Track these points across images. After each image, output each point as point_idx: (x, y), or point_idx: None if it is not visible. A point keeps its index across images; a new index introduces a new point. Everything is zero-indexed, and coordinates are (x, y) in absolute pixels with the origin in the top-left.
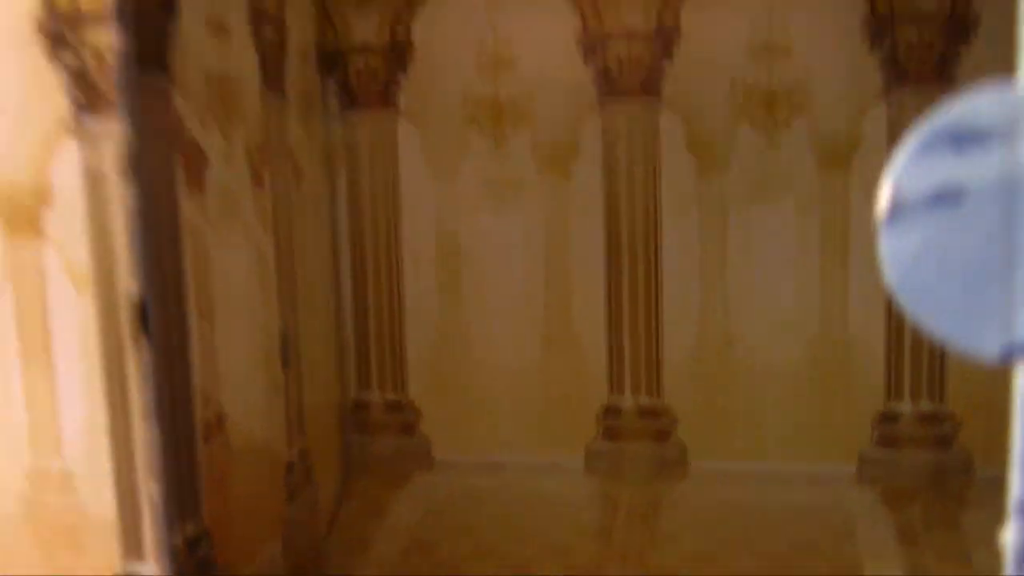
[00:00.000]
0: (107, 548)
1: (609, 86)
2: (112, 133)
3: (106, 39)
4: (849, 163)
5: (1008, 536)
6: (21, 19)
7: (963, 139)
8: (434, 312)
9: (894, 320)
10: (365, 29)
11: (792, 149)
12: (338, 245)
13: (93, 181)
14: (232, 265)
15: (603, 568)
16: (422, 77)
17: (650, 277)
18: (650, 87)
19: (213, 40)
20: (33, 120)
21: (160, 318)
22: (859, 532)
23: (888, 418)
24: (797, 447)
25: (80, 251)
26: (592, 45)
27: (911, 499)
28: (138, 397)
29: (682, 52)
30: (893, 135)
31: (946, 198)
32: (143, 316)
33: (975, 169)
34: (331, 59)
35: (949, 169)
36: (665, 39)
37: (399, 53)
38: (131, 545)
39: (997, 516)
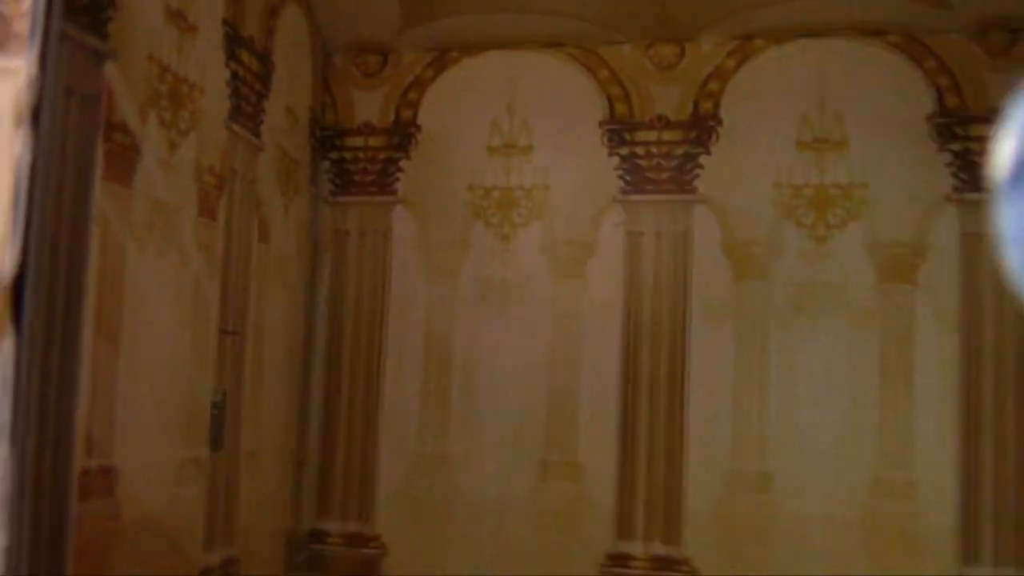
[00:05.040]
0: None
1: (638, 179)
2: (14, 72)
3: None
4: None
5: None
6: None
7: None
8: (414, 429)
9: (972, 457)
10: (368, 108)
11: None
12: (312, 340)
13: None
14: (155, 292)
15: None
16: (426, 162)
17: (674, 400)
18: (683, 182)
19: (171, 29)
20: None
21: (41, 311)
22: None
23: None
24: None
25: None
26: (620, 133)
27: None
28: None
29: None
30: None
31: None
32: (16, 298)
33: None
34: (328, 139)
35: None
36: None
37: (403, 135)
38: None
39: None
